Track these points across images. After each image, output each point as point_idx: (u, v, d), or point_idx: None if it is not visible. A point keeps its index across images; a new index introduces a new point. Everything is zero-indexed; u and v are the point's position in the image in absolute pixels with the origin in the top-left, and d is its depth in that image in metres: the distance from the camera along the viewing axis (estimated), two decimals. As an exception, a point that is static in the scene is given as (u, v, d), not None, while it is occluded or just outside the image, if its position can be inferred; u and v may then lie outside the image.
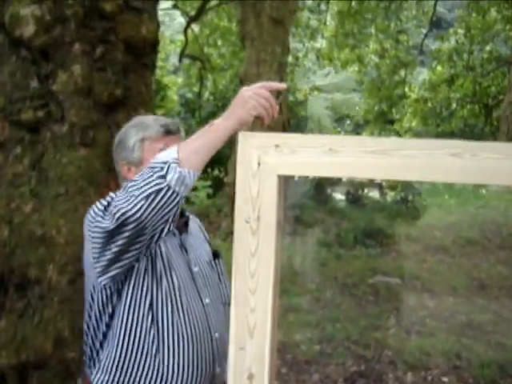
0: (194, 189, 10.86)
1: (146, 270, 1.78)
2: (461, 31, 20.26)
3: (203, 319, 1.85)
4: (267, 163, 1.27)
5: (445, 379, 4.57)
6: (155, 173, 1.52)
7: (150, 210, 1.54)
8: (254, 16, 9.52)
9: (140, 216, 1.55)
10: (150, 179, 1.52)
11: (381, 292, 6.91)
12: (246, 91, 1.51)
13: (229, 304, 1.43)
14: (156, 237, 1.67)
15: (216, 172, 13.25)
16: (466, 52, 20.55)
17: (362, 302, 6.60)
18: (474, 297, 6.79)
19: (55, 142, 3.12)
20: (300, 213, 10.01)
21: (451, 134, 19.93)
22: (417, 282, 7.32)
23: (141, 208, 1.53)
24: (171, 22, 24.63)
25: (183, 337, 1.80)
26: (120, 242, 1.64)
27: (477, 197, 13.89)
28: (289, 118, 10.51)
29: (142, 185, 1.53)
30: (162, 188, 1.52)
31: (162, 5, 20.16)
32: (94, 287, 1.83)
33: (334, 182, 13.22)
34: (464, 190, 14.96)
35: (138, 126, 1.91)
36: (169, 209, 1.56)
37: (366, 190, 13.29)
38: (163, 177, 1.51)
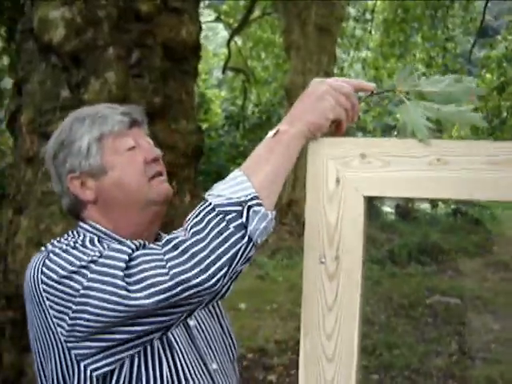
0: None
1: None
2: (510, 37, 19.60)
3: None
4: (349, 180, 0.91)
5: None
6: (231, 221, 1.03)
7: (228, 276, 1.06)
8: (299, 25, 9.22)
9: (218, 287, 1.06)
10: (225, 233, 1.03)
11: (440, 313, 6.43)
12: (321, 84, 1.06)
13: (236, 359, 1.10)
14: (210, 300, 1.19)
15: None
16: (517, 58, 19.86)
17: (419, 324, 6.14)
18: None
19: (87, 157, 2.83)
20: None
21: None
22: (478, 302, 6.81)
23: (221, 278, 1.05)
24: (214, 36, 24.63)
25: None
26: (148, 327, 1.14)
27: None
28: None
29: (214, 244, 1.04)
30: (244, 244, 1.03)
31: (205, 18, 20.15)
32: (45, 361, 1.24)
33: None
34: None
35: (90, 118, 1.32)
36: (243, 268, 1.10)
37: (416, 203, 12.81)
38: (244, 226, 1.03)
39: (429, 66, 19.14)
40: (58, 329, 1.15)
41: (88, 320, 1.10)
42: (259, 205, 1.01)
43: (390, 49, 17.05)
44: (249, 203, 1.02)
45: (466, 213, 11.80)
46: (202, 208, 1.05)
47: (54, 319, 1.15)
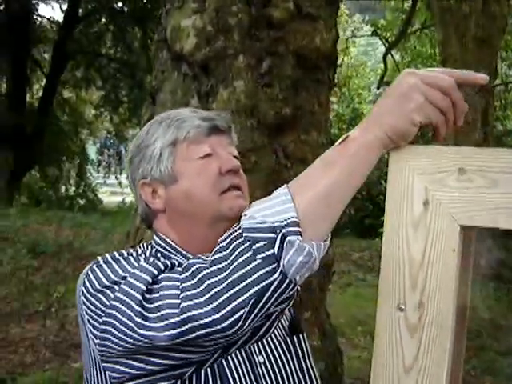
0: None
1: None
2: None
3: None
4: (442, 203, 0.69)
5: None
6: (258, 251, 0.85)
7: (250, 319, 0.88)
8: (457, 37, 8.72)
9: (234, 332, 0.89)
10: (249, 265, 0.85)
11: None
12: (409, 76, 0.82)
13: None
14: (245, 340, 1.05)
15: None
16: None
17: None
18: None
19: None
20: (503, 255, 8.83)
21: None
22: None
23: (238, 321, 0.87)
24: (373, 52, 24.35)
25: None
26: (174, 362, 0.98)
27: None
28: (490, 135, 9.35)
29: (234, 277, 0.86)
30: (274, 281, 0.85)
31: (362, 32, 19.96)
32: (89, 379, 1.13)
33: None
34: None
35: (168, 121, 1.21)
36: (278, 308, 0.93)
37: None
38: (275, 259, 0.84)
39: None
40: (92, 345, 1.03)
41: (113, 341, 0.97)
42: (297, 233, 0.81)
43: None
44: (284, 230, 0.82)
45: None
46: (232, 231, 0.87)
47: (90, 334, 1.04)
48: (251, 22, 2.80)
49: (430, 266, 0.70)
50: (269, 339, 1.19)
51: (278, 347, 1.21)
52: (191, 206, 1.15)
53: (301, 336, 1.25)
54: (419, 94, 0.80)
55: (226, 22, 2.78)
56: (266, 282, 0.84)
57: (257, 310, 0.87)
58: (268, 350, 1.18)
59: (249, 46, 2.80)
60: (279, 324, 1.23)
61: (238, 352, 1.10)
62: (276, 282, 0.85)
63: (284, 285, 0.85)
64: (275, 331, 1.21)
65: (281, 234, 0.83)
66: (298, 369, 1.22)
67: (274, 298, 0.86)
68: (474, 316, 6.61)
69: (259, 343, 1.16)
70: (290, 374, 1.20)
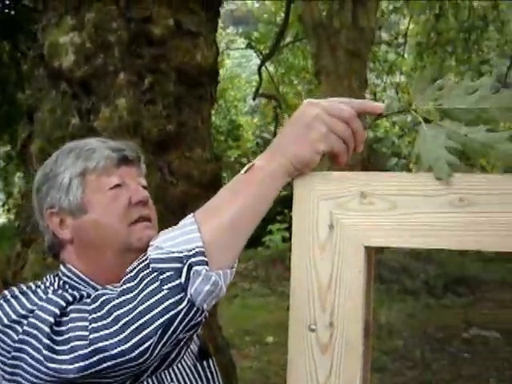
0: (269, 232, 10.32)
1: None
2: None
3: None
4: (346, 226, 0.72)
5: None
6: (165, 282, 0.85)
7: (158, 348, 0.88)
8: (329, 49, 9.10)
9: (143, 362, 0.88)
10: (157, 296, 0.85)
11: (478, 348, 6.11)
12: (312, 107, 0.86)
13: None
14: (156, 367, 1.01)
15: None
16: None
17: (456, 360, 5.82)
18: None
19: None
20: (383, 256, 9.30)
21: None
22: (519, 337, 6.46)
23: (146, 351, 0.87)
24: (247, 63, 24.74)
25: None
26: None
27: None
28: (369, 155, 9.90)
29: (142, 308, 0.86)
30: (181, 310, 0.85)
31: (239, 45, 20.25)
32: None
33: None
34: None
35: (77, 151, 1.19)
36: (187, 335, 0.92)
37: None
38: (181, 289, 0.85)
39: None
40: (3, 382, 0.99)
41: (23, 376, 0.94)
42: (203, 263, 0.83)
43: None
44: (191, 260, 0.83)
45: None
46: (140, 261, 0.88)
47: (0, 371, 0.99)
48: (131, 39, 2.77)
49: (338, 287, 0.73)
50: (179, 365, 1.19)
51: (189, 373, 1.22)
52: (100, 236, 1.14)
53: (210, 361, 1.26)
54: (322, 124, 0.83)
55: (105, 38, 2.73)
56: (174, 311, 0.85)
57: (165, 338, 0.87)
58: (179, 377, 1.19)
59: (130, 63, 2.77)
60: (189, 350, 1.23)
61: (149, 380, 1.09)
62: (183, 311, 0.85)
63: (192, 313, 0.86)
64: (185, 357, 1.22)
65: (187, 263, 0.84)
66: None
67: (182, 326, 0.87)
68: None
69: (170, 370, 1.16)
70: None
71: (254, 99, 17.48)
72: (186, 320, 0.86)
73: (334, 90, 9.01)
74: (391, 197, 0.71)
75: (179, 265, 0.84)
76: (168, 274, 0.85)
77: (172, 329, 0.86)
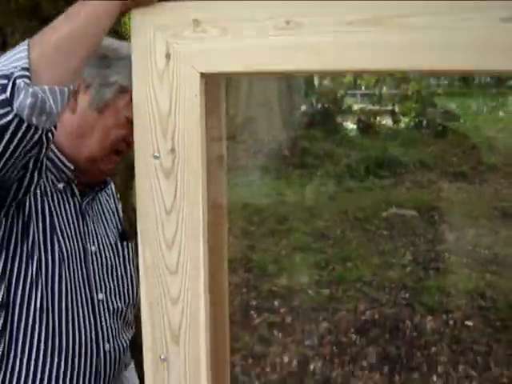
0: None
1: (6, 237, 1.17)
2: None
3: (90, 323, 1.27)
4: (182, 55, 0.75)
5: (469, 323, 4.12)
6: None
7: (2, 161, 0.93)
8: None
9: None
10: None
11: (395, 226, 6.44)
12: None
13: (134, 305, 1.05)
14: (15, 192, 1.09)
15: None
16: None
17: (374, 237, 6.13)
18: (496, 227, 6.28)
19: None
20: (308, 144, 9.46)
21: None
22: (434, 214, 6.82)
23: None
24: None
25: (52, 350, 1.21)
26: None
27: (495, 120, 13.21)
28: None
29: None
30: (9, 123, 0.89)
31: None
32: None
33: (344, 110, 12.59)
34: (480, 113, 14.26)
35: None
36: (29, 156, 0.98)
37: (378, 118, 12.71)
38: (8, 104, 0.88)
39: None
40: None
41: None
42: (25, 77, 0.86)
43: None
44: (15, 75, 0.86)
45: (428, 126, 11.75)
46: None
47: None
48: None
49: (177, 113, 0.76)
50: (102, 237, 1.34)
51: (109, 245, 1.36)
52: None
53: (129, 243, 1.40)
54: None
55: None
56: (3, 120, 0.88)
57: (1, 149, 0.91)
58: (99, 244, 1.32)
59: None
60: (112, 227, 1.39)
61: (70, 241, 1.24)
62: (13, 125, 0.89)
63: (23, 128, 0.89)
64: (108, 231, 1.37)
65: (12, 79, 0.87)
66: (122, 268, 1.38)
67: (17, 140, 0.91)
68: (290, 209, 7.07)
69: (92, 236, 1.30)
70: (116, 270, 1.36)
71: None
72: (19, 135, 0.90)
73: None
74: (223, 24, 0.73)
75: (5, 81, 0.87)
76: None
77: (5, 141, 0.90)
